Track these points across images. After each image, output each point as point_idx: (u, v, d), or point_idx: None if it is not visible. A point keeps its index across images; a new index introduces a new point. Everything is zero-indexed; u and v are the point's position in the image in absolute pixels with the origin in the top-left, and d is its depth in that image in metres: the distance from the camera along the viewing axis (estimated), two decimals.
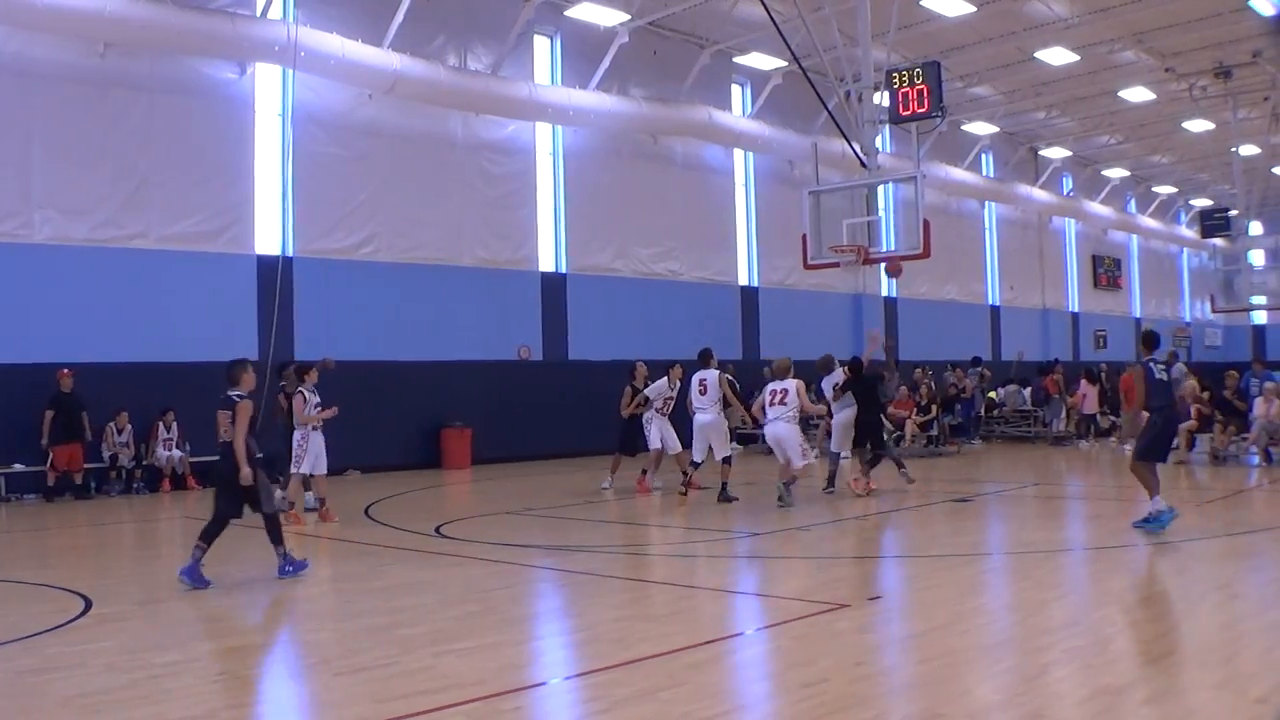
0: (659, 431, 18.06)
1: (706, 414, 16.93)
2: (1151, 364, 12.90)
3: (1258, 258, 40.87)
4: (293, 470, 15.19)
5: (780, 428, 15.91)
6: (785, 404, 15.87)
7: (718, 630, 8.51)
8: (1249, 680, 6.70)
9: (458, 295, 25.21)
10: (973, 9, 27.25)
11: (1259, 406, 21.53)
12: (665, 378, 18.11)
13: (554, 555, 12.43)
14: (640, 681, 6.78)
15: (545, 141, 27.82)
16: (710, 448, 16.98)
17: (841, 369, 17.96)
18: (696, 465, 17.30)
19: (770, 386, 16.29)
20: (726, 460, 16.87)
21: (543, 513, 16.21)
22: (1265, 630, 8.09)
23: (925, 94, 18.31)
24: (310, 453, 15.04)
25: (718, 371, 17.26)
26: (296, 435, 15.12)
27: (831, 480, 17.49)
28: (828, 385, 17.93)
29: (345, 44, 22.29)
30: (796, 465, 15.79)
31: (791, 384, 15.97)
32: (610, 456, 18.93)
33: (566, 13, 26.45)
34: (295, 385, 15.58)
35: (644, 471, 18.30)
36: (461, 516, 16.19)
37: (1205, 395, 22.93)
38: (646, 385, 18.47)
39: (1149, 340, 13.55)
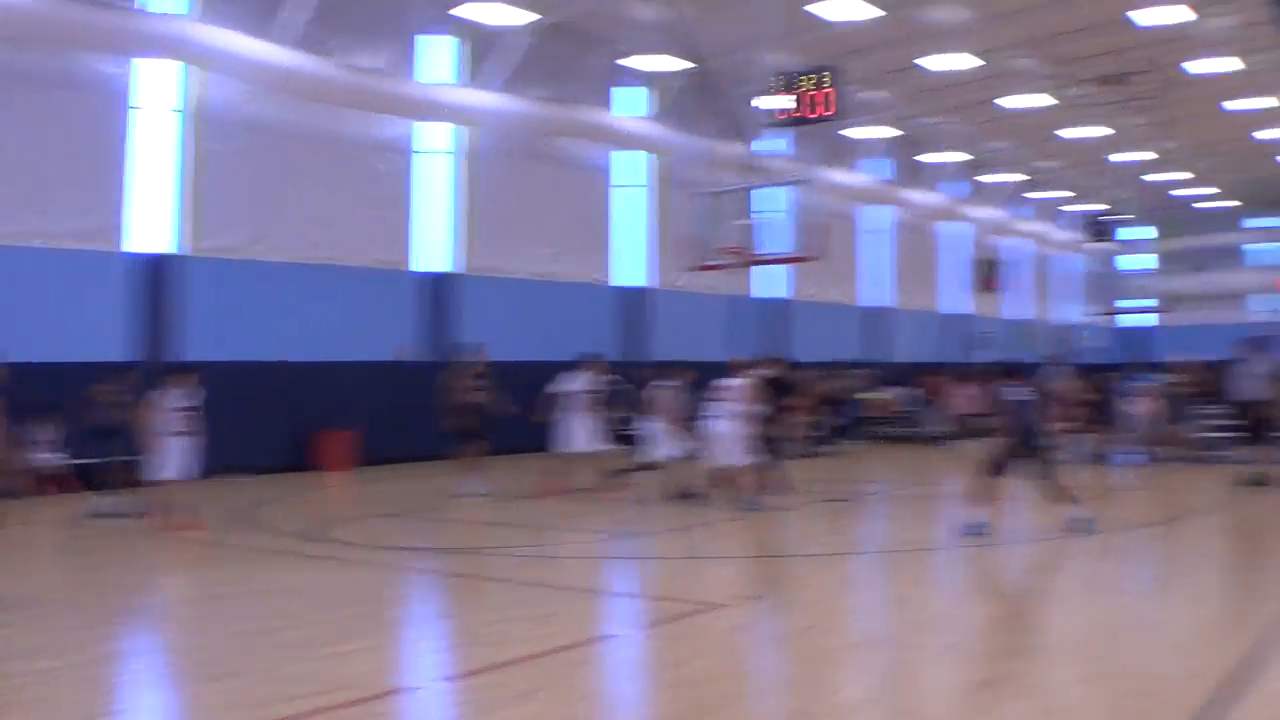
0: (582, 431, 18.13)
1: (650, 425, 17.23)
2: (1007, 388, 13.26)
3: (1139, 262, 41.95)
4: (163, 477, 14.92)
5: (720, 425, 15.79)
6: (726, 401, 15.67)
7: (595, 631, 8.65)
8: (1118, 675, 6.88)
9: (346, 295, 24.93)
10: (869, 15, 27.58)
11: (1138, 407, 22.16)
12: (579, 372, 18.19)
13: (434, 557, 12.50)
14: (518, 683, 6.89)
15: (438, 141, 27.71)
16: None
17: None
18: (646, 467, 17.45)
19: (714, 383, 16.14)
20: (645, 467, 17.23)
21: (425, 515, 16.24)
22: (1133, 626, 8.40)
23: (820, 98, 18.51)
24: (168, 457, 14.75)
25: (672, 383, 17.52)
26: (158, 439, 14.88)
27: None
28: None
29: (237, 39, 22.00)
30: (723, 463, 15.61)
31: (737, 382, 15.76)
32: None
33: (463, 12, 26.15)
34: (128, 389, 15.49)
35: (618, 471, 18.14)
36: (343, 519, 16.10)
37: (1086, 397, 23.56)
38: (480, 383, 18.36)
39: (1010, 371, 13.97)
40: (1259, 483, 17.20)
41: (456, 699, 6.96)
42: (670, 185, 32.62)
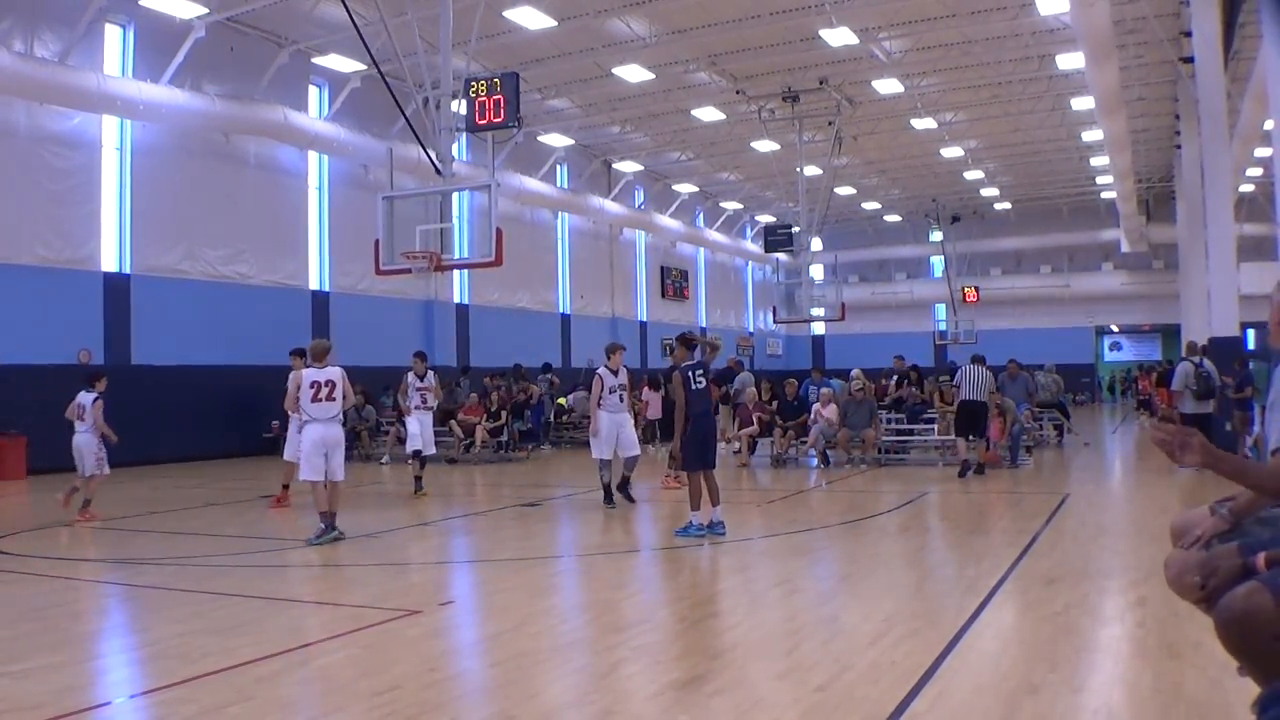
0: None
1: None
2: (690, 371, 13.45)
3: (817, 272, 43.74)
4: None
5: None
6: (335, 399, 13.70)
7: (288, 641, 8.44)
8: (810, 670, 7.10)
9: (15, 295, 23.67)
10: (554, 23, 27.95)
11: (817, 412, 23.18)
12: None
13: (116, 569, 12.00)
14: (207, 698, 6.68)
15: (113, 136, 26.60)
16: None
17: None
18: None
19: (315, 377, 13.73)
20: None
21: (105, 524, 15.57)
22: (823, 623, 8.71)
23: (502, 104, 18.54)
24: None
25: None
26: None
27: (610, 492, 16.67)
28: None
29: None
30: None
31: (337, 372, 13.73)
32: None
33: (141, 2, 25.21)
34: None
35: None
36: (15, 530, 15.22)
37: (770, 404, 24.54)
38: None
39: (688, 342, 13.95)
40: (978, 470, 19.78)
41: (143, 716, 6.69)
42: (353, 187, 32.36)
